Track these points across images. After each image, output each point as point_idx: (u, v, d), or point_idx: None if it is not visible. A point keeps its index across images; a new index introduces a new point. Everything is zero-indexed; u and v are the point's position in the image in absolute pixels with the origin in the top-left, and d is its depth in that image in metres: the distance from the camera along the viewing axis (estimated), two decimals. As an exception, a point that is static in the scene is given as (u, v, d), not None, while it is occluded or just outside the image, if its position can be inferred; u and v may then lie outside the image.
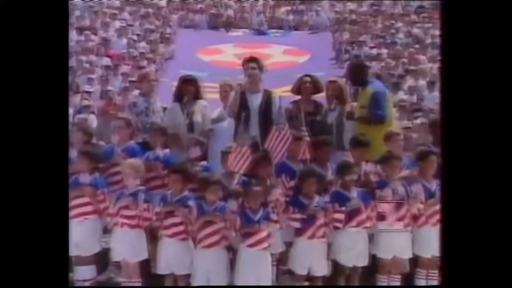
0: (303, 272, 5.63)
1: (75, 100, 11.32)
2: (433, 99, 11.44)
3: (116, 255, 5.62)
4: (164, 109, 7.06)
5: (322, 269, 5.61)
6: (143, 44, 16.08)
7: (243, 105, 6.43)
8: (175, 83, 7.17)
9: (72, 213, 5.48)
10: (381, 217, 5.72)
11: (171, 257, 5.45)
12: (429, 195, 5.74)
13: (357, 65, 7.34)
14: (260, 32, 18.88)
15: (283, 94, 7.79)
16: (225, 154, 5.89)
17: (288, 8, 20.30)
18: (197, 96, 6.93)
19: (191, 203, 5.40)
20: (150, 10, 18.69)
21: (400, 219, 5.71)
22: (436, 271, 5.62)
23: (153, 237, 5.65)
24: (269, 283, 5.44)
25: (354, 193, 5.69)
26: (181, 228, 5.44)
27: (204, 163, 6.12)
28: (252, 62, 6.68)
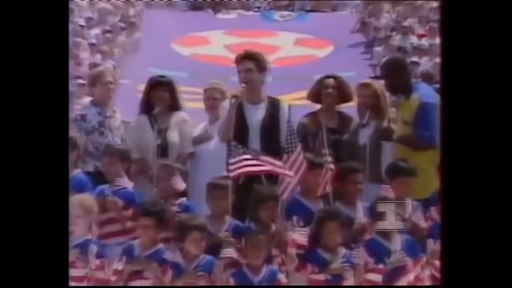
0: None
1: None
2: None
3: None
4: (126, 124, 7.13)
5: None
6: (95, 31, 16.18)
7: (239, 120, 6.41)
8: (142, 87, 7.25)
9: None
10: (436, 278, 5.75)
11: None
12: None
13: (396, 63, 7.33)
14: (263, 15, 18.98)
15: (296, 103, 7.84)
16: (212, 187, 5.93)
17: (303, -19, 20.46)
18: (172, 105, 7.01)
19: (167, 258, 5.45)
20: (107, -16, 18.86)
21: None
22: None
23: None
24: None
25: (397, 243, 5.74)
26: (154, 295, 5.47)
27: (182, 200, 6.18)
28: (247, 61, 6.57)
